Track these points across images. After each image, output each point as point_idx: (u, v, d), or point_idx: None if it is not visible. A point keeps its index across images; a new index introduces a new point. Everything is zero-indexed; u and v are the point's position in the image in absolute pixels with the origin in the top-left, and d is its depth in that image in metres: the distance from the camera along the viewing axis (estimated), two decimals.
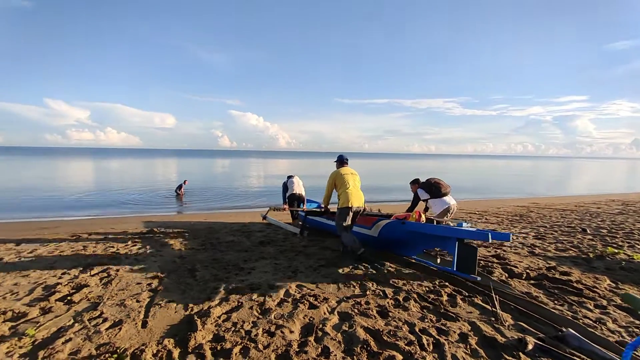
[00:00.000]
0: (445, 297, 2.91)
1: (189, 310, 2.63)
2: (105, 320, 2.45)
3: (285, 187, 6.36)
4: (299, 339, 2.21)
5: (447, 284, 3.22)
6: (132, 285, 3.19)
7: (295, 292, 3.01)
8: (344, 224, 4.24)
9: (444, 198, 4.58)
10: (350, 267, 3.75)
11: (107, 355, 2.00)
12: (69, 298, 2.85)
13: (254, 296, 2.90)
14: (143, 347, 2.07)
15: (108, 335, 2.23)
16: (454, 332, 2.30)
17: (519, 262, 4.01)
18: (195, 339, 2.17)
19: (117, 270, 3.60)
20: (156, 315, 2.54)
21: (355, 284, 3.20)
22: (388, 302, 2.80)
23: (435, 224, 3.93)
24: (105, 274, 3.48)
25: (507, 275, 3.54)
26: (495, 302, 2.68)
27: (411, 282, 3.29)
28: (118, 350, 2.05)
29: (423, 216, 4.14)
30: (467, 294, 2.97)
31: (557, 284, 3.26)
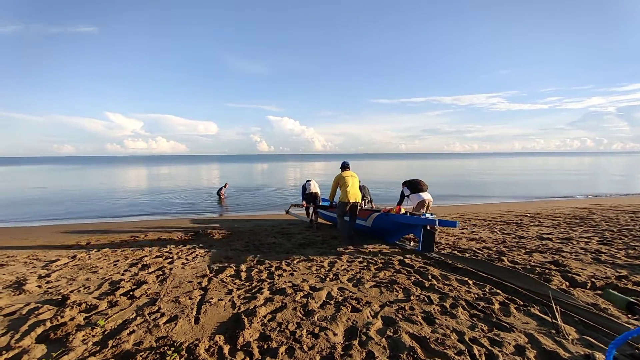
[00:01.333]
0: (497, 306, 2.73)
1: (237, 308, 2.76)
2: (162, 315, 2.66)
3: (304, 188, 7.25)
4: (343, 342, 2.21)
5: (498, 291, 3.02)
6: (184, 283, 3.42)
7: (337, 294, 3.02)
8: (342, 215, 5.37)
9: (421, 194, 5.62)
10: (392, 271, 3.67)
11: (165, 347, 2.17)
12: (131, 293, 3.13)
13: (297, 297, 2.95)
14: (197, 342, 2.21)
15: (165, 330, 2.42)
16: (509, 343, 2.15)
17: (582, 269, 3.64)
18: (243, 337, 2.26)
19: (171, 269, 3.88)
20: (207, 313, 2.70)
21: (398, 289, 3.13)
22: (434, 309, 2.69)
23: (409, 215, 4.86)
24: (160, 272, 3.78)
25: (567, 284, 3.24)
26: (556, 313, 2.45)
27: (458, 288, 3.13)
28: (175, 344, 2.20)
29: (403, 209, 5.19)
30: (522, 303, 2.76)
31: (631, 296, 2.90)
